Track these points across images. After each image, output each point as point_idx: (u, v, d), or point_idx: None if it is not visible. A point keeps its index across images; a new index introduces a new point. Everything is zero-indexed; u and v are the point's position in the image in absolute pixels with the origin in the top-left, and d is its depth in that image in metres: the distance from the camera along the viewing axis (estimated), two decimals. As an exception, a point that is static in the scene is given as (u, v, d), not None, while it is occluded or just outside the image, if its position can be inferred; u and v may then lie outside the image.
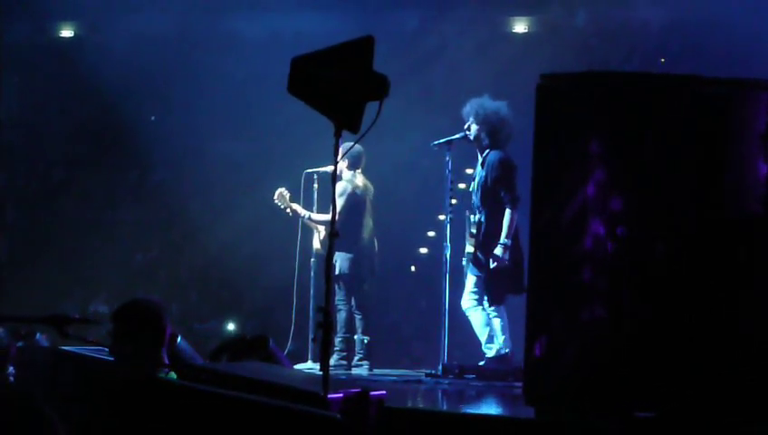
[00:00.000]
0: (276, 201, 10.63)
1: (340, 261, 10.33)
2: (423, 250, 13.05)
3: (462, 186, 10.32)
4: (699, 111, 6.21)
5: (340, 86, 4.98)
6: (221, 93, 13.48)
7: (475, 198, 9.65)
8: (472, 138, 9.72)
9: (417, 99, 11.50)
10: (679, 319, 6.00)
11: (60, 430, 2.66)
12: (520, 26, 13.31)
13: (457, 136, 9.84)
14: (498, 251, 9.41)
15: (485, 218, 9.57)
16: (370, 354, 10.49)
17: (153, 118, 13.84)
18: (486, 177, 9.57)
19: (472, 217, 9.74)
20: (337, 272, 10.26)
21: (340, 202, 10.34)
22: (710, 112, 6.20)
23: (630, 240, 6.11)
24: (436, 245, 11.46)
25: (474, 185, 9.73)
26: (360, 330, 10.48)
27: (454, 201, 9.99)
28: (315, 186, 10.66)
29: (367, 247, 10.54)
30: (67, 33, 14.31)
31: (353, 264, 10.41)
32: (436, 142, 9.95)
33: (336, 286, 10.38)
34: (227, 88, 13.46)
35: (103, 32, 13.87)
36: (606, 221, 6.15)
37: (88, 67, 13.68)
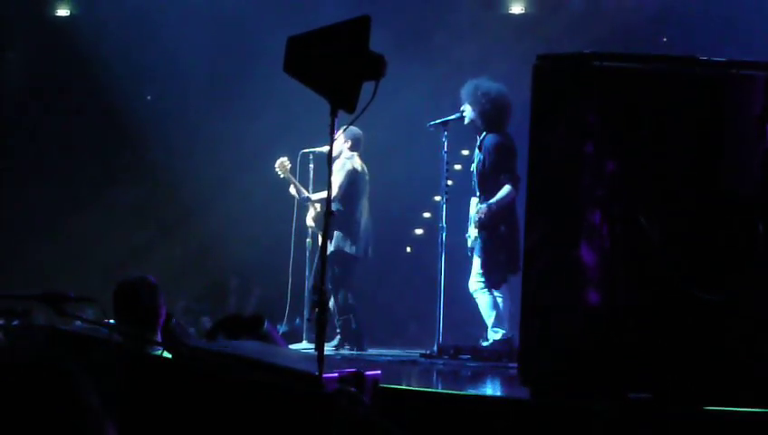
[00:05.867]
0: (277, 169, 10.57)
1: (336, 239, 10.31)
2: (419, 231, 13.05)
3: (458, 167, 10.27)
4: (695, 93, 6.21)
5: (335, 65, 4.97)
6: (217, 72, 13.45)
7: (474, 181, 9.60)
8: (466, 121, 9.68)
9: (413, 80, 11.46)
10: (675, 301, 6.01)
11: (105, 419, 2.28)
12: (517, 7, 13.30)
13: (453, 117, 9.81)
14: (481, 208, 9.36)
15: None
16: (348, 332, 10.46)
17: (149, 97, 13.81)
18: (483, 160, 9.51)
19: (475, 199, 9.61)
20: (332, 249, 10.23)
21: (340, 176, 10.31)
22: (706, 94, 6.20)
23: (626, 222, 6.12)
24: (431, 226, 11.45)
25: (472, 167, 9.68)
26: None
27: (450, 182, 9.96)
28: (311, 166, 10.64)
29: (364, 229, 10.51)
30: (63, 12, 14.27)
31: (349, 242, 10.37)
32: (431, 123, 9.92)
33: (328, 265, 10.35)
34: (224, 67, 13.43)
35: (99, 11, 13.83)
36: (602, 203, 6.15)
37: (83, 46, 13.64)
